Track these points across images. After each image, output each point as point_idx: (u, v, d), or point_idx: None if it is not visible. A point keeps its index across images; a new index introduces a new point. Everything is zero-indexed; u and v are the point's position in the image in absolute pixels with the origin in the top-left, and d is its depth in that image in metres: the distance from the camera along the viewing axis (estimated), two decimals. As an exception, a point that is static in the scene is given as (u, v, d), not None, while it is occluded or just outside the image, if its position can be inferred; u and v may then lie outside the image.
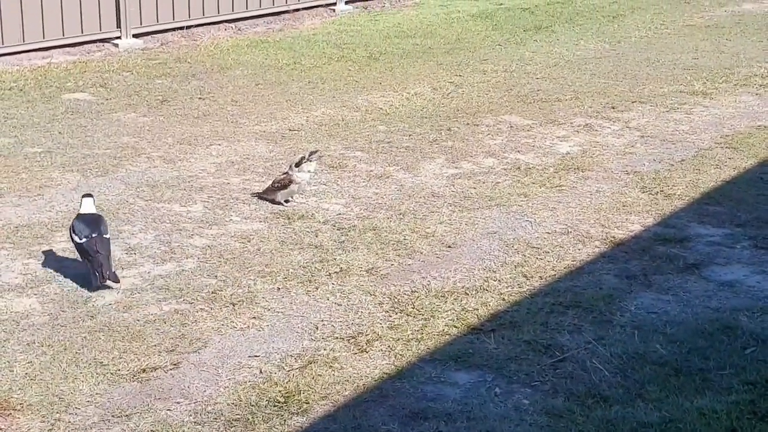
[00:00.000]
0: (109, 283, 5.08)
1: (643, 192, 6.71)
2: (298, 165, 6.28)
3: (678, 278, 5.45)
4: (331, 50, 10.49)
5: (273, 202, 6.33)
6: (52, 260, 5.48)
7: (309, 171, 6.30)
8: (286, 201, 6.35)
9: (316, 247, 5.76)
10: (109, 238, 5.22)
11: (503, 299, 5.15)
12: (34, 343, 4.64)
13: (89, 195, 5.46)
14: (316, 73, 9.59)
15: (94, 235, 5.12)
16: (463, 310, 5.03)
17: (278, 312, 5.00)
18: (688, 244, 5.89)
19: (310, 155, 6.35)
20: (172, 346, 4.64)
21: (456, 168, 7.16)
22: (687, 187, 6.81)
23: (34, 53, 9.79)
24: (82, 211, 5.34)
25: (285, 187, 6.27)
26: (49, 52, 9.88)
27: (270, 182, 6.44)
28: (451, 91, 9.16)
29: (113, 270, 5.15)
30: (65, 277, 5.30)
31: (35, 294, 5.11)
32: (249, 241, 5.82)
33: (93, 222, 5.20)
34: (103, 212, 5.70)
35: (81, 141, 7.51)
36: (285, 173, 6.32)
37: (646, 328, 4.90)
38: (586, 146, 7.68)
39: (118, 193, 6.39)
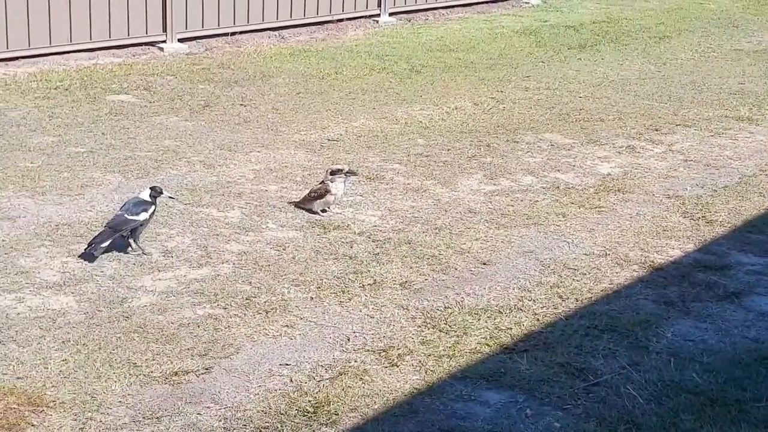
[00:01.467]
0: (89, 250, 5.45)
1: (685, 217, 6.65)
2: (333, 174, 6.29)
3: (717, 306, 5.39)
4: (372, 61, 10.54)
5: (310, 211, 6.37)
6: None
7: (343, 184, 6.29)
8: (323, 211, 6.38)
9: (350, 258, 5.78)
10: (128, 218, 5.55)
11: (537, 320, 5.13)
12: (70, 341, 4.71)
13: (153, 187, 5.79)
14: (357, 84, 9.64)
15: (118, 213, 5.63)
16: (496, 328, 5.01)
17: (311, 321, 5.02)
18: (728, 271, 5.83)
19: (347, 173, 6.33)
20: (205, 351, 4.68)
21: (494, 184, 7.15)
22: (729, 213, 6.74)
23: (80, 54, 9.95)
24: (139, 195, 5.80)
25: (321, 197, 6.30)
26: (96, 54, 10.04)
27: (307, 191, 6.48)
28: (492, 106, 9.15)
29: (101, 246, 5.46)
30: (103, 276, 5.37)
31: (72, 293, 5.18)
32: (284, 249, 5.86)
33: (127, 203, 5.71)
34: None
35: (123, 142, 7.61)
36: (322, 182, 6.35)
37: (683, 355, 4.85)
38: (627, 168, 7.64)
39: (159, 200, 6.45)
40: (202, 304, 5.13)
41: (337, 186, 6.29)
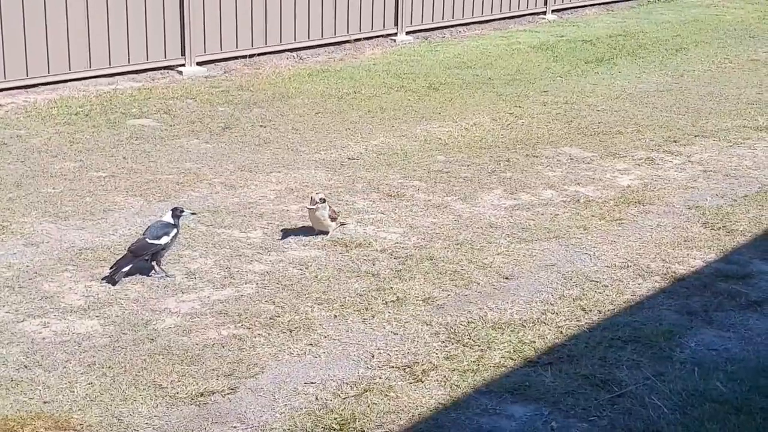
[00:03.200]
0: (113, 277, 5.53)
1: (705, 227, 6.64)
2: (324, 201, 6.21)
3: (740, 315, 5.37)
4: (391, 80, 10.61)
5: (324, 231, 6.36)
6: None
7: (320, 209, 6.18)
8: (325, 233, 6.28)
9: (373, 275, 5.81)
10: (150, 243, 5.62)
11: (561, 332, 5.13)
12: (95, 364, 4.75)
13: (175, 208, 5.85)
14: (375, 103, 9.70)
15: (141, 236, 5.72)
16: (519, 342, 5.02)
17: (335, 339, 5.04)
18: (750, 280, 5.80)
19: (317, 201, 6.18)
20: (230, 371, 4.71)
21: (514, 199, 7.17)
22: (750, 223, 6.71)
23: (100, 79, 10.08)
24: (162, 217, 5.86)
25: (334, 219, 6.32)
26: (115, 78, 10.16)
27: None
28: (511, 122, 9.18)
29: (122, 271, 5.55)
30: (127, 300, 5.43)
31: (97, 316, 5.23)
32: (307, 268, 5.89)
33: (150, 226, 5.77)
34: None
35: (144, 166, 7.70)
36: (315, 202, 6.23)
37: (707, 365, 4.83)
38: (647, 180, 7.63)
39: (181, 220, 6.51)
40: (226, 325, 5.17)
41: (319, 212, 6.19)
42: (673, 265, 6.01)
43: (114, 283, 5.54)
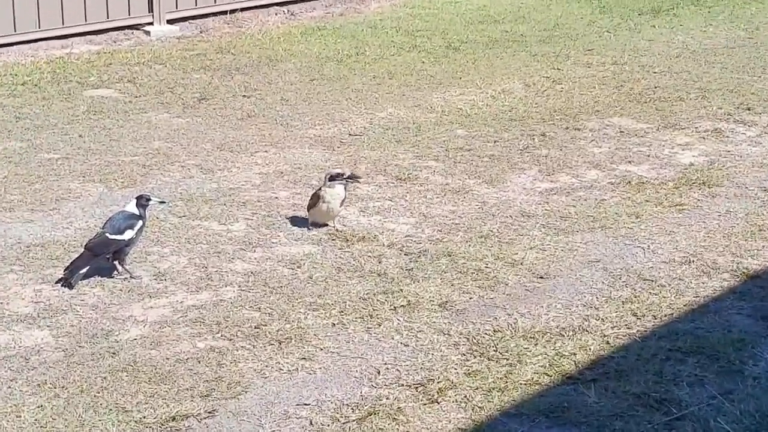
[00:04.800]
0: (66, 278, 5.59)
1: (784, 213, 6.64)
2: (332, 179, 6.31)
3: (826, 320, 5.36)
4: (401, 38, 10.60)
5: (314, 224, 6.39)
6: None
7: (338, 194, 6.27)
8: (319, 225, 6.36)
9: (379, 275, 5.82)
10: (112, 238, 5.65)
11: (607, 342, 5.13)
12: (46, 383, 4.79)
13: (140, 196, 5.88)
14: (382, 67, 9.70)
15: (99, 231, 5.76)
16: (557, 354, 5.03)
17: (333, 352, 5.06)
18: (839, 278, 5.79)
19: (348, 178, 6.33)
20: (207, 391, 4.74)
21: (551, 182, 7.16)
22: (840, 207, 6.70)
23: (51, 42, 10.11)
24: (126, 207, 5.90)
25: (314, 205, 6.34)
26: (69, 41, 10.20)
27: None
28: (548, 88, 9.16)
29: (79, 273, 5.58)
30: (84, 306, 5.46)
31: (48, 326, 5.27)
32: (299, 267, 5.91)
33: (110, 219, 5.82)
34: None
35: (105, 146, 7.73)
36: (320, 189, 6.38)
37: (785, 380, 4.84)
38: (714, 156, 7.61)
39: (148, 211, 6.55)
40: (203, 336, 5.20)
41: (334, 193, 6.27)
42: (746, 260, 6.00)
43: (70, 287, 5.58)
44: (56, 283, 5.64)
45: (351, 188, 6.55)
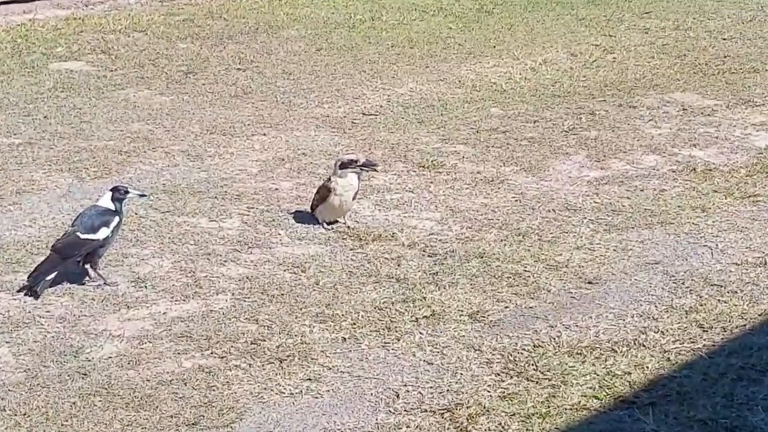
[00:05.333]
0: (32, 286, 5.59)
1: None
2: (344, 167, 6.31)
3: None
4: (424, 0, 10.58)
5: (319, 222, 6.38)
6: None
7: (351, 184, 6.29)
8: (329, 223, 6.39)
9: (398, 280, 5.81)
10: (83, 238, 5.63)
11: (668, 359, 5.11)
12: (5, 410, 4.78)
13: (115, 188, 5.86)
14: (402, 34, 9.68)
15: (69, 230, 5.74)
16: (608, 373, 5.01)
17: (343, 372, 5.05)
18: None
19: (362, 166, 6.33)
20: (195, 418, 4.74)
21: (601, 169, 7.14)
22: None
23: (11, 6, 10.12)
24: (99, 202, 5.87)
25: (324, 198, 6.33)
26: (32, 5, 10.22)
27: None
28: (597, 58, 9.13)
29: (46, 280, 5.57)
30: (50, 318, 5.46)
31: (7, 342, 5.27)
32: (304, 272, 5.91)
33: (81, 215, 5.79)
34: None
35: (74, 129, 7.73)
36: (328, 179, 6.38)
37: None
38: (794, 138, 7.60)
39: (124, 206, 6.56)
40: (190, 353, 5.19)
41: (345, 183, 6.28)
42: (832, 261, 5.98)
43: (35, 296, 5.58)
44: (18, 291, 5.64)
45: (366, 177, 6.53)
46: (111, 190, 5.88)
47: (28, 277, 5.63)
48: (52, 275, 5.62)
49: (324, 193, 6.31)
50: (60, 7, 10.33)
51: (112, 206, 5.80)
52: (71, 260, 5.67)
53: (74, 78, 8.66)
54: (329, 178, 6.34)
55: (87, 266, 5.73)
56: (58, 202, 6.66)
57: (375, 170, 6.52)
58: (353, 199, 6.35)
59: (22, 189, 6.84)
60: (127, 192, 5.88)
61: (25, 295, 5.62)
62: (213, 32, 9.70)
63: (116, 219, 5.78)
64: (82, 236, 5.67)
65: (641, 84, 8.52)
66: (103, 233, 5.70)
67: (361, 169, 6.33)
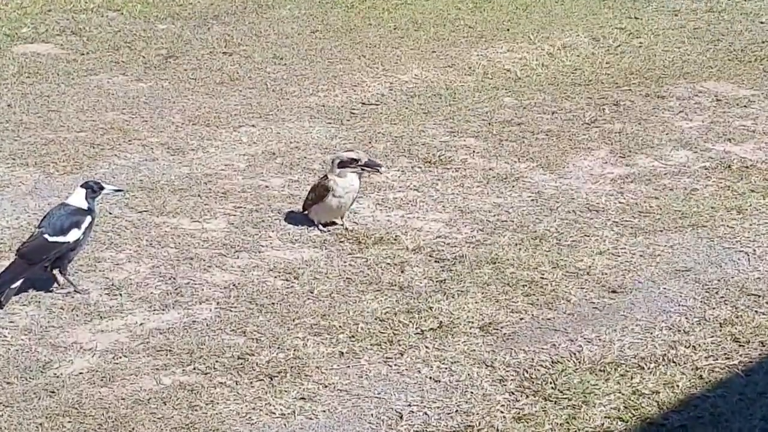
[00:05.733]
0: None
1: None
2: (343, 166, 6.30)
3: None
4: (430, -23, 10.58)
5: (314, 223, 6.38)
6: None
7: (352, 185, 6.28)
8: (325, 225, 6.39)
9: (401, 288, 5.80)
10: (51, 241, 5.61)
11: (700, 377, 5.10)
12: (-34, 430, 4.80)
13: (87, 184, 5.83)
14: (406, 15, 9.67)
15: (36, 231, 5.71)
16: (634, 393, 5.00)
17: (341, 390, 5.04)
18: None
19: (364, 166, 6.31)
20: (175, 441, 4.75)
21: (627, 165, 7.13)
22: None
23: (-27, -17, 10.13)
24: (68, 200, 5.84)
25: (320, 198, 6.33)
26: (-4, -18, 10.21)
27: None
28: (622, 42, 9.12)
29: (11, 288, 5.56)
30: (14, 329, 5.45)
31: (-32, 355, 5.28)
32: (296, 279, 5.90)
33: (49, 215, 5.76)
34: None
35: (41, 119, 7.72)
36: (324, 177, 6.37)
37: None
38: (840, 132, 7.60)
39: (98, 203, 6.56)
40: (170, 368, 5.18)
41: (345, 184, 6.28)
42: None
43: (0, 306, 5.57)
44: None
45: (367, 177, 6.53)
46: (83, 186, 5.87)
47: None
48: (18, 283, 5.61)
49: (321, 192, 6.30)
50: (26, -16, 10.35)
51: (83, 204, 5.79)
52: (39, 266, 5.66)
53: (41, 62, 8.65)
54: (326, 176, 6.33)
55: (55, 271, 5.72)
56: (23, 199, 6.66)
57: (378, 172, 6.48)
58: (353, 200, 6.35)
59: (-17, 185, 6.85)
60: (101, 188, 5.87)
61: None
62: (196, 12, 9.70)
63: (88, 219, 5.77)
64: (51, 239, 5.66)
65: (670, 72, 8.51)
66: (73, 235, 5.69)
67: (363, 170, 6.31)
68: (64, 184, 6.76)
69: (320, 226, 6.38)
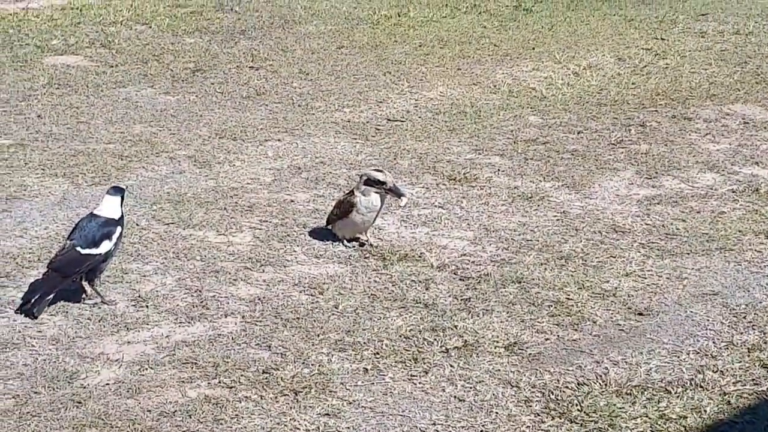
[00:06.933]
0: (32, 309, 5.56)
1: None
2: (368, 184, 6.26)
3: None
4: (457, -5, 10.58)
5: (338, 238, 6.37)
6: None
7: (374, 205, 6.25)
8: (350, 240, 6.38)
9: (426, 306, 5.78)
10: (85, 253, 5.59)
11: (728, 402, 5.07)
12: (-9, 439, 4.79)
13: (116, 190, 5.81)
14: (431, 32, 9.67)
15: (68, 243, 5.66)
16: (661, 417, 4.97)
17: (365, 407, 5.02)
18: None
19: (389, 190, 6.25)
20: (200, 454, 4.73)
21: (653, 187, 7.11)
22: None
23: (3, -7, 10.17)
24: (96, 210, 5.79)
25: (345, 214, 6.31)
26: (26, -8, 10.26)
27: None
28: (648, 63, 9.10)
29: (45, 300, 5.53)
30: (41, 339, 5.44)
31: (-6, 364, 5.27)
32: (321, 294, 5.88)
33: (79, 226, 5.73)
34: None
35: (71, 130, 7.73)
36: (350, 192, 6.36)
37: None
38: None
39: (124, 211, 6.56)
40: (195, 381, 5.17)
41: (369, 203, 6.26)
42: None
43: (33, 317, 5.55)
44: (17, 312, 5.61)
45: (389, 200, 6.50)
46: (112, 190, 5.78)
47: (25, 301, 5.58)
48: (51, 297, 5.59)
49: (346, 208, 6.28)
50: (56, -5, 10.38)
51: (114, 213, 5.75)
52: (72, 278, 5.64)
53: (71, 74, 8.67)
54: (352, 191, 6.32)
55: (84, 282, 5.71)
56: (52, 210, 6.66)
57: (399, 199, 6.41)
58: (376, 218, 6.33)
59: (12, 195, 6.84)
60: (124, 190, 5.85)
61: (23, 315, 5.58)
62: (223, 26, 9.71)
63: (118, 229, 5.75)
64: (83, 251, 5.63)
65: (697, 93, 8.48)
66: (105, 246, 5.67)
67: (386, 192, 6.28)
68: (92, 194, 6.76)
69: (345, 242, 6.36)
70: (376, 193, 6.25)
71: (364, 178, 6.27)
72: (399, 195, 6.33)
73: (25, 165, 7.23)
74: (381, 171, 6.30)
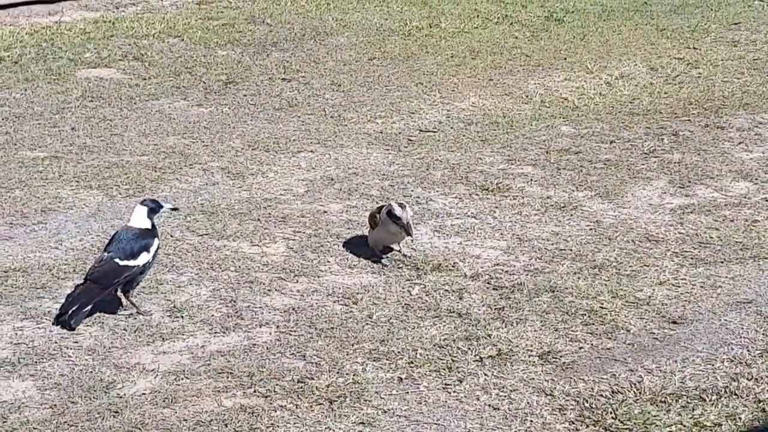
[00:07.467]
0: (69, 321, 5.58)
1: None
2: (390, 216, 6.20)
3: None
4: (487, 6, 10.59)
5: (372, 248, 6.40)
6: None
7: (392, 233, 6.25)
8: (382, 251, 6.40)
9: (460, 315, 5.79)
10: (123, 265, 5.62)
11: (763, 410, 5.05)
12: (29, 449, 4.82)
13: (145, 203, 5.86)
14: (463, 43, 9.67)
15: (105, 255, 5.70)
16: (696, 424, 4.96)
17: (400, 416, 5.03)
18: None
19: (402, 226, 6.19)
20: (236, 463, 4.75)
21: (686, 196, 7.10)
22: None
23: (35, 6, 10.21)
24: (130, 222, 5.84)
25: (372, 226, 6.36)
26: (59, 6, 10.31)
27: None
28: (681, 72, 9.08)
29: (84, 311, 5.57)
30: (78, 349, 5.49)
31: (31, 375, 5.29)
32: (356, 303, 5.90)
33: (116, 238, 5.77)
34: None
35: (104, 142, 7.78)
36: (381, 206, 6.36)
37: None
38: None
39: (157, 222, 6.59)
40: (231, 390, 5.19)
41: (388, 229, 6.25)
42: None
43: (70, 328, 5.59)
44: (54, 323, 5.65)
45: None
46: (144, 204, 5.86)
47: (62, 312, 5.62)
48: (89, 308, 5.63)
49: (371, 222, 6.34)
50: (89, 9, 10.42)
51: (146, 224, 5.81)
52: (110, 290, 5.67)
53: (104, 86, 8.72)
54: (380, 209, 6.31)
55: (119, 293, 5.74)
56: (87, 221, 6.70)
57: (409, 235, 6.41)
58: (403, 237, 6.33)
59: (47, 207, 6.89)
60: (160, 206, 5.89)
61: (61, 326, 5.61)
62: (255, 39, 9.75)
63: (156, 241, 5.80)
64: (122, 263, 5.67)
65: (730, 103, 8.46)
66: (143, 258, 5.71)
67: (401, 228, 6.26)
68: (126, 206, 6.80)
69: (378, 252, 6.39)
70: (394, 224, 6.25)
71: (387, 209, 6.26)
72: (408, 234, 6.31)
73: (59, 177, 7.28)
74: (403, 207, 6.28)
